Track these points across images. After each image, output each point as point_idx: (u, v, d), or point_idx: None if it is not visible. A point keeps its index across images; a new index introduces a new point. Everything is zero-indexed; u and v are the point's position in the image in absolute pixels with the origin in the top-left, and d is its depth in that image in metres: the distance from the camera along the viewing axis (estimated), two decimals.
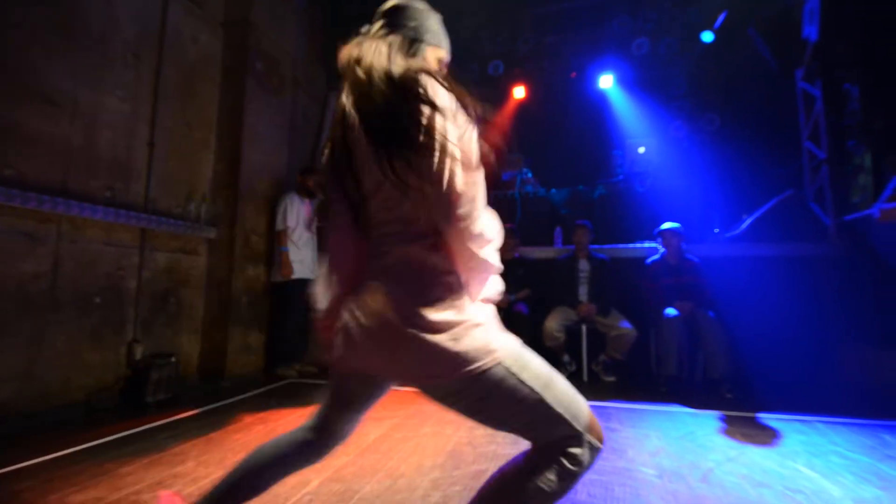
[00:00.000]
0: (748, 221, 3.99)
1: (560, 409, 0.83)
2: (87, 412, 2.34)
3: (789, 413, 2.46)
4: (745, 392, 2.90)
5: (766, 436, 2.11)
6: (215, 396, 2.72)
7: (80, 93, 2.37)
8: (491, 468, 1.69)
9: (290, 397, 2.78)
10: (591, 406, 2.63)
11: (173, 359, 2.66)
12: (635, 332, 3.19)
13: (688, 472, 1.68)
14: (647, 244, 3.78)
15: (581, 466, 0.81)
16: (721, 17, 4.98)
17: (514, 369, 0.82)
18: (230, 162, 3.19)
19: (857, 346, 3.13)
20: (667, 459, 1.80)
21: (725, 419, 2.37)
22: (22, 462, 1.69)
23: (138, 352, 2.60)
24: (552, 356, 3.44)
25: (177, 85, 2.93)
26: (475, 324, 0.81)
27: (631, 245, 3.88)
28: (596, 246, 3.68)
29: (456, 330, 0.78)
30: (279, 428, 2.16)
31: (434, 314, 0.77)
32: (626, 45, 5.42)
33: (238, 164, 3.18)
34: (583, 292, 3.45)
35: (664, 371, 3.00)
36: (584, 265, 3.51)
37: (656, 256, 3.38)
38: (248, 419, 2.30)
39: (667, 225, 3.34)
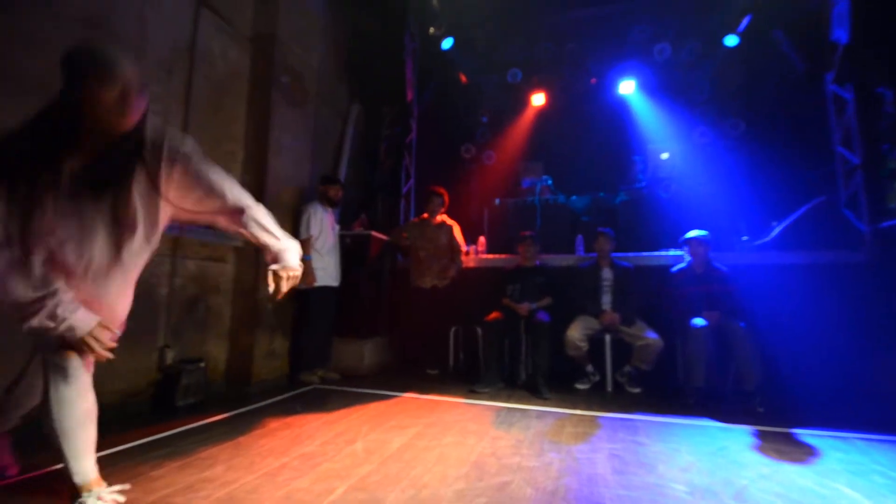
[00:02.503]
0: (778, 228, 3.88)
1: None
2: (120, 415, 2.41)
3: (826, 429, 2.36)
4: (778, 406, 2.79)
5: (802, 453, 2.03)
6: (242, 401, 2.77)
7: None
8: (516, 480, 1.67)
9: (313, 403, 2.81)
10: (618, 418, 2.58)
11: (202, 364, 2.72)
12: (661, 342, 3.12)
13: (721, 489, 1.63)
14: (672, 252, 3.71)
15: None
16: (745, 21, 4.90)
17: None
18: (257, 173, 3.27)
19: None
20: (698, 475, 1.75)
21: (758, 434, 2.29)
22: (59, 464, 1.74)
23: (169, 357, 2.67)
24: (575, 366, 3.39)
25: (206, 99, 3.03)
26: None
27: (655, 253, 3.81)
28: (619, 254, 3.63)
29: None
30: (304, 433, 2.18)
31: None
32: (647, 51, 5.37)
33: (264, 174, 3.26)
34: (606, 301, 3.40)
35: (692, 383, 2.92)
36: (607, 273, 3.47)
37: (682, 265, 3.31)
38: (274, 424, 2.34)
39: (693, 233, 3.27)
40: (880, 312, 3.18)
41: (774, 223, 3.96)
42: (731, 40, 5.03)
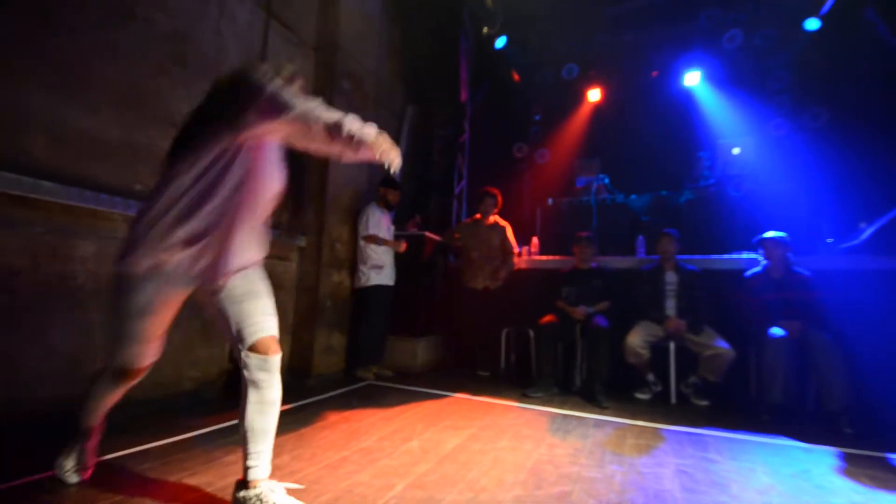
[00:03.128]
0: (870, 230, 3.48)
1: None
2: (195, 401, 2.60)
3: None
4: (869, 427, 2.52)
5: None
6: (303, 393, 2.90)
7: None
8: (576, 490, 1.62)
9: (369, 398, 2.89)
10: (684, 432, 2.44)
11: None
12: (733, 352, 2.91)
13: None
14: (744, 255, 3.44)
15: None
16: (829, 2, 4.45)
17: None
18: (319, 176, 3.41)
19: None
20: (778, 499, 1.61)
21: (846, 458, 2.08)
22: (143, 445, 1.91)
23: None
24: (634, 374, 3.24)
25: None
26: None
27: (725, 256, 3.56)
28: (684, 256, 3.42)
29: None
30: (362, 427, 2.25)
31: None
32: (716, 39, 5.02)
33: (326, 177, 3.39)
34: (670, 306, 3.22)
35: (768, 398, 2.69)
36: (671, 277, 3.28)
37: (757, 269, 3.07)
38: (333, 417, 2.43)
39: (769, 234, 3.02)
40: None
41: (863, 224, 3.56)
42: (812, 24, 4.60)
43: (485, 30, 5.34)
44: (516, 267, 4.00)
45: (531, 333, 3.64)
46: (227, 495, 1.46)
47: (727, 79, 5.26)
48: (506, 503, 1.52)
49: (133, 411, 2.29)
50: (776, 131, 4.81)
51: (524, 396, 3.06)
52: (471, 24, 5.34)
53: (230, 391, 2.77)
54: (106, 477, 1.58)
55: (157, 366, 2.43)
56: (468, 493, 1.58)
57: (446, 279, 4.43)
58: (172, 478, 1.61)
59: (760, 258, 3.10)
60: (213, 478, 1.63)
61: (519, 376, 3.75)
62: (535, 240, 4.51)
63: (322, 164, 3.42)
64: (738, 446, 2.20)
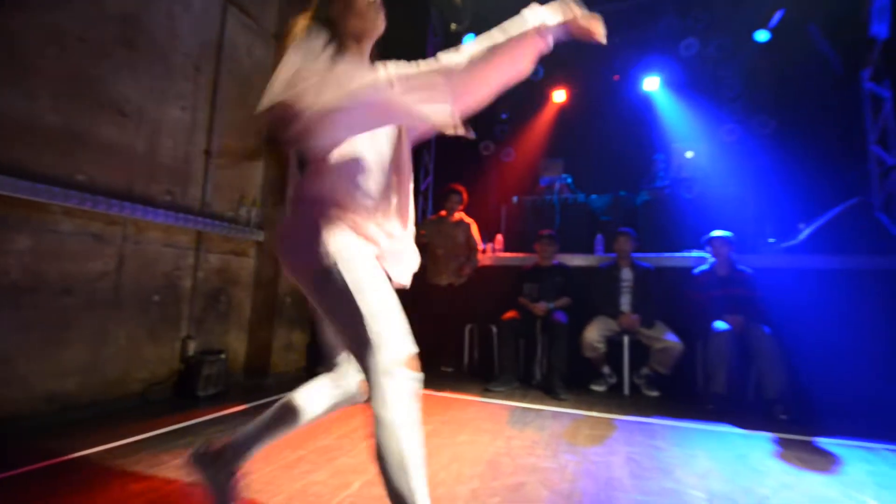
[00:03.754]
0: (808, 231, 3.75)
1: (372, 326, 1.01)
2: (143, 404, 2.49)
3: (852, 438, 2.29)
4: (802, 414, 2.71)
5: (827, 462, 1.97)
6: (261, 392, 2.83)
7: (145, 103, 2.54)
8: (531, 481, 1.67)
9: None
10: (635, 422, 2.54)
11: (223, 355, 2.79)
12: (682, 345, 3.06)
13: (741, 497, 1.59)
14: (694, 253, 3.63)
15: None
16: (778, 16, 4.73)
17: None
18: (279, 169, 3.33)
19: None
20: (717, 482, 1.71)
21: (780, 442, 2.23)
22: (87, 449, 1.81)
23: (191, 348, 2.74)
24: (592, 367, 3.35)
25: (232, 95, 3.09)
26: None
27: (677, 254, 3.73)
28: (639, 254, 3.56)
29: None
30: (321, 426, 2.21)
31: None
32: (673, 46, 5.24)
33: (286, 170, 3.31)
34: (625, 302, 3.35)
35: (712, 388, 2.86)
36: (626, 274, 3.41)
37: (705, 266, 3.24)
38: None
39: (716, 233, 3.19)
40: None
41: (802, 225, 3.83)
42: (762, 35, 4.87)
43: (453, 26, 5.34)
44: (480, 264, 4.04)
45: (494, 329, 3.69)
46: (174, 501, 1.41)
47: (684, 85, 5.49)
48: (462, 496, 1.54)
49: (75, 415, 2.17)
50: (727, 137, 5.07)
51: (486, 391, 3.11)
52: (439, 19, 5.33)
53: (181, 392, 2.66)
54: (44, 485, 1.49)
55: (101, 367, 2.32)
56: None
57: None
58: (116, 483, 1.54)
59: (708, 256, 3.27)
60: (160, 483, 1.57)
61: (481, 371, 3.80)
62: (499, 237, 4.58)
63: (283, 155, 3.33)
64: (683, 434, 2.33)
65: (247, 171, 3.24)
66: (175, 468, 1.67)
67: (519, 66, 1.02)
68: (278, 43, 3.42)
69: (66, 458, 1.73)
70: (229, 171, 3.09)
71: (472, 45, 1.00)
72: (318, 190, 1.09)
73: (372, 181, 1.12)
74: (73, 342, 2.20)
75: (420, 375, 1.09)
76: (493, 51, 0.98)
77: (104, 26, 2.33)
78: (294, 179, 3.40)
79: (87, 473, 1.61)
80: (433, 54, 4.51)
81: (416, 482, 0.98)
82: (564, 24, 1.04)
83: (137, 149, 2.51)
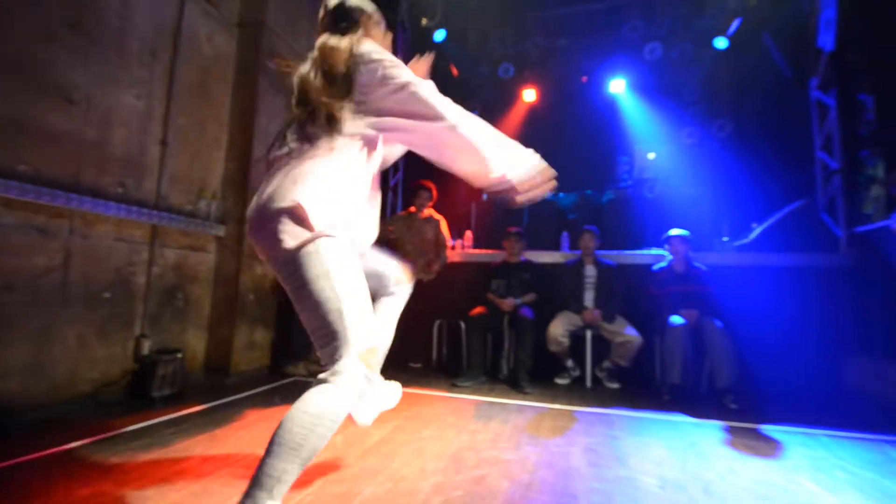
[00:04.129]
0: (758, 230, 3.95)
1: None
2: (93, 406, 2.37)
3: (794, 425, 2.44)
4: (750, 403, 2.87)
5: (770, 448, 2.09)
6: (221, 393, 2.75)
7: (95, 90, 2.41)
8: (493, 473, 1.70)
9: (295, 394, 2.77)
10: (595, 413, 2.62)
11: (180, 354, 2.69)
12: (640, 339, 3.18)
13: (690, 483, 1.67)
14: (654, 251, 3.76)
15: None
16: (735, 24, 4.95)
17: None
18: (241, 161, 3.22)
19: (865, 358, 3.10)
20: (669, 469, 1.79)
21: (729, 430, 2.35)
22: (28, 455, 1.72)
23: (145, 347, 2.63)
24: (556, 361, 3.43)
25: (191, 84, 2.97)
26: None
27: (638, 251, 3.86)
28: (603, 252, 3.67)
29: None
30: None
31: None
32: (639, 50, 5.39)
33: (249, 163, 3.21)
34: (588, 298, 3.44)
35: (668, 379, 2.98)
36: (590, 271, 3.50)
37: (663, 263, 3.37)
38: (253, 416, 2.33)
39: (674, 231, 3.33)
40: (851, 315, 3.28)
41: (755, 224, 4.04)
42: (720, 42, 5.08)
43: (424, 21, 5.32)
44: (449, 260, 4.05)
45: (462, 325, 3.72)
46: None
47: (648, 88, 5.67)
48: (425, 490, 1.55)
49: (17, 419, 2.05)
50: (688, 139, 5.28)
51: (453, 386, 3.13)
52: (409, 14, 5.29)
53: (135, 393, 2.55)
54: None
55: (46, 367, 2.20)
56: (388, 484, 1.59)
57: None
58: (60, 489, 1.46)
59: (667, 254, 3.40)
60: (111, 486, 1.50)
61: (450, 367, 3.83)
62: (468, 234, 4.60)
63: (245, 147, 3.22)
64: (640, 423, 2.42)
65: (206, 163, 3.12)
66: (126, 472, 1.61)
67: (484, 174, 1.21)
68: (242, 32, 3.32)
69: (3, 464, 1.63)
70: (187, 162, 2.97)
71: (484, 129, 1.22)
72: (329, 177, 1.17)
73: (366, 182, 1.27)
74: (14, 341, 2.07)
75: (373, 374, 1.17)
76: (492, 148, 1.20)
77: (51, 8, 2.19)
78: (258, 172, 3.31)
79: (28, 480, 1.52)
80: (403, 49, 4.43)
81: (293, 473, 1.03)
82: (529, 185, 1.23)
83: (87, 138, 2.37)
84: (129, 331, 2.60)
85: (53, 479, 1.52)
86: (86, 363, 2.37)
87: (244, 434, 2.05)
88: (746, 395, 2.97)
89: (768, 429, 2.38)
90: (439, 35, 5.41)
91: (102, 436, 1.95)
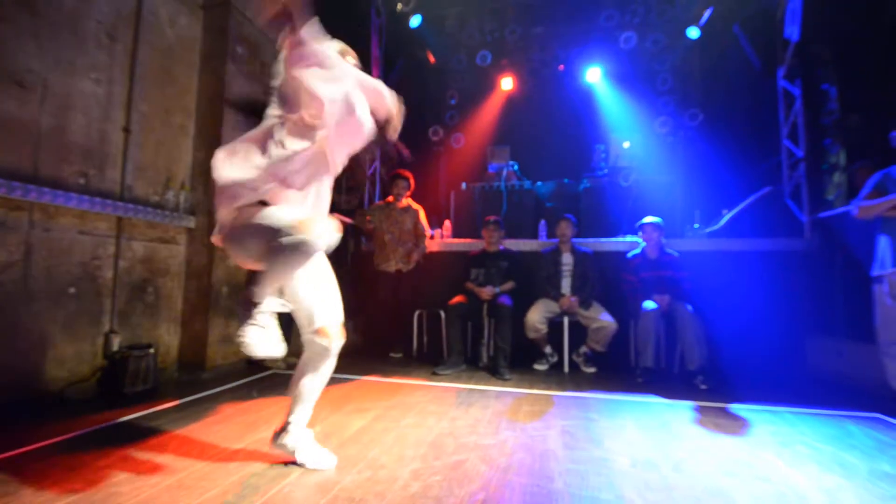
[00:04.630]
0: (727, 217, 4.08)
1: None
2: (62, 404, 2.29)
3: (760, 403, 2.55)
4: (720, 383, 2.99)
5: (737, 426, 2.18)
6: (195, 387, 2.69)
7: (50, 74, 2.28)
8: (471, 458, 1.72)
9: (272, 388, 2.77)
10: (572, 397, 2.67)
11: (152, 350, 2.61)
12: (615, 324, 3.25)
13: (661, 461, 1.73)
14: (629, 238, 3.84)
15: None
16: (707, 14, 5.03)
17: None
18: (210, 149, 3.10)
19: (826, 338, 3.25)
20: (642, 449, 1.85)
21: (699, 409, 2.45)
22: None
23: (115, 343, 2.55)
24: (535, 348, 3.48)
25: (154, 68, 2.84)
26: None
27: (614, 239, 3.94)
28: (580, 239, 3.72)
29: None
30: (261, 418, 2.15)
31: None
32: (614, 39, 5.43)
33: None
34: (566, 285, 3.50)
35: (642, 363, 3.07)
36: (567, 258, 3.55)
37: (637, 250, 3.44)
38: (229, 410, 2.29)
39: (647, 219, 3.40)
40: (814, 298, 3.44)
41: (725, 211, 4.17)
42: (693, 32, 5.16)
43: (399, 6, 5.21)
44: (429, 250, 4.05)
45: (442, 314, 3.73)
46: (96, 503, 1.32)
47: (623, 76, 5.73)
48: (404, 477, 1.56)
49: None
50: (661, 128, 5.38)
51: (434, 375, 3.15)
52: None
53: (105, 390, 2.48)
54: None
55: (9, 366, 2.11)
56: (367, 472, 1.60)
57: (358, 262, 4.35)
58: (28, 490, 1.41)
59: (640, 241, 3.48)
60: (81, 485, 1.46)
61: (431, 356, 3.84)
62: (447, 223, 4.60)
63: (214, 134, 3.11)
64: (614, 406, 2.49)
65: (174, 152, 3.01)
66: (98, 470, 1.56)
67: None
68: (206, 14, 3.18)
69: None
70: (153, 151, 2.86)
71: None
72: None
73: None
74: None
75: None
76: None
77: None
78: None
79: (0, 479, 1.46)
80: (377, 35, 4.33)
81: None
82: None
83: (43, 125, 2.25)
84: (97, 327, 2.51)
85: (21, 479, 1.47)
86: (52, 361, 2.29)
87: (220, 428, 2.02)
88: (716, 375, 3.09)
89: (736, 407, 2.48)
90: (415, 21, 5.32)
91: (72, 434, 1.89)
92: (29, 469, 1.56)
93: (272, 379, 3.02)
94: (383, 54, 5.31)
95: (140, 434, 1.92)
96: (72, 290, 2.38)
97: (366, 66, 4.96)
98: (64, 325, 2.35)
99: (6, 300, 2.10)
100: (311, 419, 1.71)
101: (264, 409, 2.30)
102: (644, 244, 3.41)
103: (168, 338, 2.96)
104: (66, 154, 2.36)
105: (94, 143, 2.51)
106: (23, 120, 2.17)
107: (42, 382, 2.25)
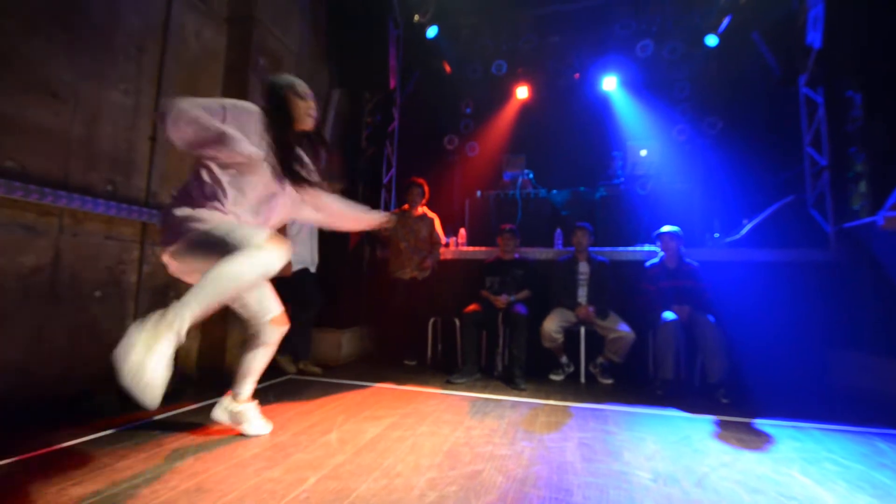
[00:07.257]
0: (749, 226, 4.00)
1: None
2: (85, 405, 2.34)
3: (784, 419, 2.47)
4: (742, 397, 2.91)
5: (761, 441, 2.12)
6: (214, 391, 2.72)
7: (81, 85, 2.37)
8: (487, 468, 1.70)
9: (288, 393, 2.79)
10: (589, 408, 2.64)
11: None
12: (633, 335, 3.20)
13: (683, 476, 1.69)
14: (647, 247, 3.79)
15: None
16: (725, 22, 4.98)
17: None
18: None
19: (853, 352, 3.15)
20: (662, 463, 1.81)
21: (721, 424, 2.38)
22: (20, 455, 1.69)
23: None
24: (551, 357, 3.45)
25: (179, 80, 2.93)
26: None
27: (631, 248, 3.89)
28: (596, 248, 3.69)
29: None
30: (277, 423, 2.17)
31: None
32: (630, 48, 5.42)
33: None
34: (582, 294, 3.46)
35: (661, 374, 3.01)
36: (583, 267, 3.52)
37: (655, 260, 3.39)
38: None
39: (665, 228, 3.35)
40: (840, 310, 3.33)
41: (745, 221, 4.09)
42: (711, 40, 5.12)
43: (416, 17, 5.29)
44: (443, 257, 4.06)
45: (457, 322, 3.72)
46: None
47: (640, 85, 5.70)
48: (419, 486, 1.55)
49: (12, 418, 2.02)
50: (679, 136, 5.32)
51: (448, 383, 3.14)
52: (400, 10, 5.25)
53: (126, 393, 2.52)
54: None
55: (37, 367, 2.17)
56: (383, 480, 1.59)
57: (373, 269, 4.38)
58: (52, 489, 1.44)
59: (658, 250, 3.43)
60: (103, 485, 1.49)
61: (445, 364, 3.83)
62: (462, 231, 4.61)
63: None
64: (633, 419, 2.44)
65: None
66: (119, 471, 1.59)
67: None
68: (231, 27, 3.28)
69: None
70: (177, 159, 2.93)
71: None
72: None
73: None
74: (2, 341, 2.04)
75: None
76: None
77: (35, 1, 2.15)
78: None
79: (20, 480, 1.50)
80: (394, 46, 4.41)
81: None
82: None
83: (74, 134, 2.34)
84: (121, 330, 2.56)
85: (46, 479, 1.50)
86: (78, 362, 2.35)
87: (238, 432, 2.04)
88: (738, 389, 3.01)
89: (759, 423, 2.41)
90: (431, 32, 5.38)
91: (95, 435, 1.93)
92: (54, 469, 1.60)
93: (288, 384, 3.04)
94: (400, 65, 5.38)
95: (160, 436, 1.95)
96: (98, 293, 2.45)
97: (384, 78, 5.08)
98: (90, 327, 2.41)
99: (34, 303, 2.17)
100: (328, 426, 1.72)
101: (281, 414, 2.32)
102: (662, 254, 3.37)
103: (188, 342, 3.00)
104: (95, 162, 2.44)
105: (122, 152, 2.59)
106: (56, 129, 2.25)
107: (67, 384, 2.30)
